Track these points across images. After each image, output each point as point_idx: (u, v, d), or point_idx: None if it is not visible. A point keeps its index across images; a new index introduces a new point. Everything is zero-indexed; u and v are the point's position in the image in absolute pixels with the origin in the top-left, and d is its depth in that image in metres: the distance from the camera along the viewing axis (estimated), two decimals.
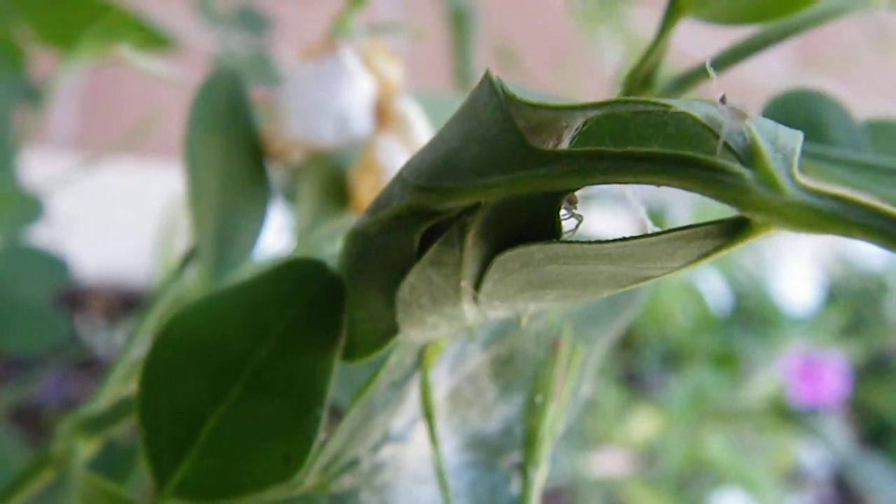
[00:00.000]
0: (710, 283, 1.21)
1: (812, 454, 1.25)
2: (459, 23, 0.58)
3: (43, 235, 0.49)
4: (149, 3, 0.57)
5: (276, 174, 0.33)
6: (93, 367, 0.91)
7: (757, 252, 1.30)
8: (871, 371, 1.32)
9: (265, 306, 0.23)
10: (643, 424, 1.06)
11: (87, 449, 0.26)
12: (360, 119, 0.31)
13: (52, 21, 0.51)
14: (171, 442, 0.22)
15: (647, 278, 0.18)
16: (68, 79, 0.54)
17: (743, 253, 1.28)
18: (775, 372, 1.19)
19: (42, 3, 0.51)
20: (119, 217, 0.90)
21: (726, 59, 0.27)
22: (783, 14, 0.23)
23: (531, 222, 0.18)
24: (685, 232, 0.17)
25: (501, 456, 0.26)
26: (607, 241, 0.17)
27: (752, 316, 1.25)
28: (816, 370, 1.15)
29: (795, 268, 1.30)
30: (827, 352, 1.21)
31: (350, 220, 0.32)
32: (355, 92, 0.30)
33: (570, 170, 0.17)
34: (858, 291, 1.35)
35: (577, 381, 0.27)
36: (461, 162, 0.19)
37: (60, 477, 0.25)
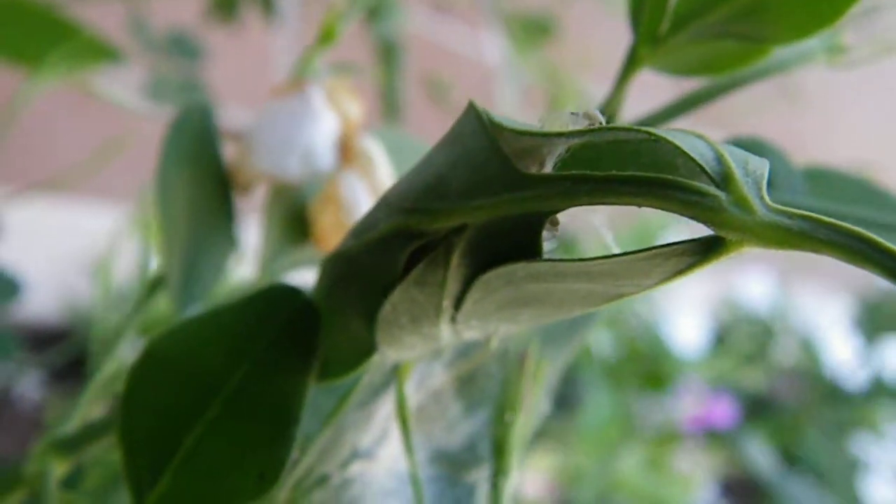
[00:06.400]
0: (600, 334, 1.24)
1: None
2: (388, 56, 0.59)
3: None
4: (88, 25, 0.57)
5: (252, 201, 0.34)
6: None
7: (650, 300, 1.33)
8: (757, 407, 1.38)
9: (240, 331, 0.23)
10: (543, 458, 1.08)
11: (60, 469, 0.26)
12: (324, 155, 0.31)
13: (12, 40, 0.51)
14: (149, 460, 0.23)
15: (621, 296, 0.20)
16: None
17: (636, 301, 1.31)
18: (668, 407, 1.22)
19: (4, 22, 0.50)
20: (33, 256, 0.88)
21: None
22: (727, 70, 0.25)
23: (514, 244, 0.19)
24: (664, 249, 0.18)
25: (465, 470, 0.27)
26: (589, 259, 0.18)
27: (645, 358, 1.28)
28: (706, 406, 1.20)
29: (687, 313, 1.34)
30: (716, 389, 1.25)
31: (311, 250, 0.33)
32: (321, 129, 0.31)
33: (557, 192, 0.18)
34: (746, 334, 1.40)
35: (540, 394, 0.28)
36: (449, 185, 0.20)
37: (33, 496, 0.25)
